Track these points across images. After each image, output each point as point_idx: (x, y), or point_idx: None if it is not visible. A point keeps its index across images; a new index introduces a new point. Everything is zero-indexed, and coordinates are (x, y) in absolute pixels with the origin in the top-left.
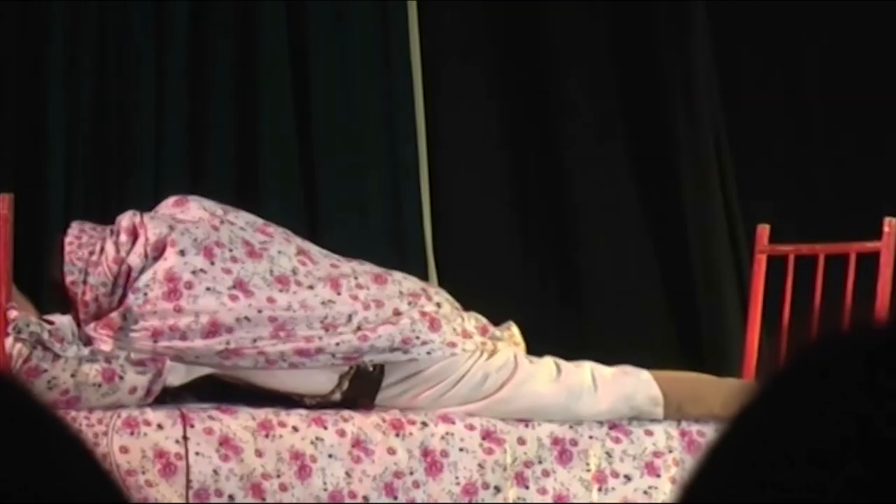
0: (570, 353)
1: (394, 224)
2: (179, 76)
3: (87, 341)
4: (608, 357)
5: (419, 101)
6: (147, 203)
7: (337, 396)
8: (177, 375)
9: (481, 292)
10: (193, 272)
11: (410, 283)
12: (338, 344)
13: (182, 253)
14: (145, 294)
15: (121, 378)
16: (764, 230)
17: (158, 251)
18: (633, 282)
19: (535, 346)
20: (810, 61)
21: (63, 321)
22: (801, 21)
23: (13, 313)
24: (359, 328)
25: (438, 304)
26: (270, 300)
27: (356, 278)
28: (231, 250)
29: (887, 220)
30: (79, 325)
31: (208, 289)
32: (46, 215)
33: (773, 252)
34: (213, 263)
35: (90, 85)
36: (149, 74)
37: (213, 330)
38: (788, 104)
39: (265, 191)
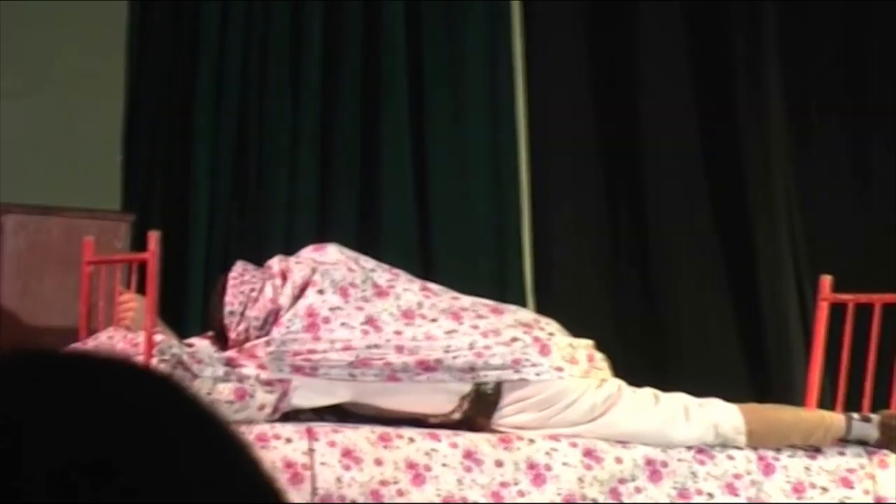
0: (651, 386)
1: (498, 269)
2: (312, 132)
3: (229, 362)
4: (687, 391)
5: (523, 157)
6: (279, 244)
7: (457, 416)
8: (306, 398)
9: (575, 332)
10: (331, 309)
11: (524, 314)
12: (455, 358)
13: (321, 292)
14: (288, 327)
15: (251, 396)
16: (826, 280)
17: (302, 291)
18: (711, 327)
19: (626, 380)
20: (871, 120)
21: (201, 344)
22: (866, 78)
23: (158, 337)
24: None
25: (551, 334)
26: (397, 332)
27: (475, 310)
28: (363, 291)
29: None
30: (223, 348)
31: (343, 324)
32: (188, 252)
33: (834, 300)
34: (347, 302)
35: (232, 141)
36: (283, 134)
37: (345, 350)
38: (854, 163)
39: (385, 241)
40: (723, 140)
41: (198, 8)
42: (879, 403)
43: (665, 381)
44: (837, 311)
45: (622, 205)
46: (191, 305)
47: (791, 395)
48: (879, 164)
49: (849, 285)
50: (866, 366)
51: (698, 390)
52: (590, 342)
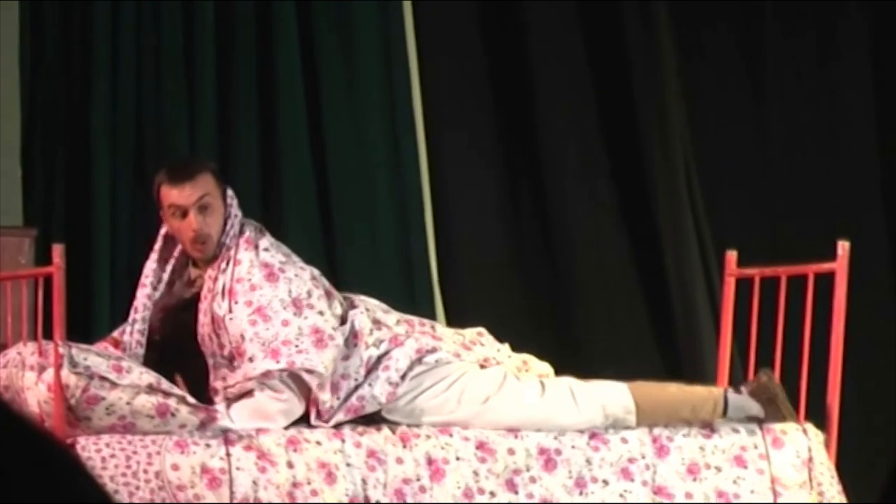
0: (563, 368)
1: (402, 259)
2: (209, 136)
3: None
4: (596, 373)
5: (420, 135)
6: None
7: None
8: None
9: (483, 316)
10: (281, 262)
11: (407, 315)
12: (370, 385)
13: (266, 250)
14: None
15: (173, 415)
16: (732, 255)
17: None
18: (618, 306)
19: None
20: (771, 96)
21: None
22: (762, 52)
23: (62, 350)
24: (374, 344)
25: (433, 327)
26: (285, 323)
27: (365, 306)
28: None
29: (840, 243)
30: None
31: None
32: (93, 264)
33: (740, 275)
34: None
35: (130, 148)
36: (181, 140)
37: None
38: (753, 135)
39: (291, 242)
40: (619, 112)
41: (90, 16)
42: (790, 376)
43: (575, 363)
44: (744, 285)
45: (522, 182)
46: (97, 317)
47: (702, 371)
48: (778, 131)
49: (754, 258)
50: (775, 339)
51: (609, 370)
52: (479, 329)
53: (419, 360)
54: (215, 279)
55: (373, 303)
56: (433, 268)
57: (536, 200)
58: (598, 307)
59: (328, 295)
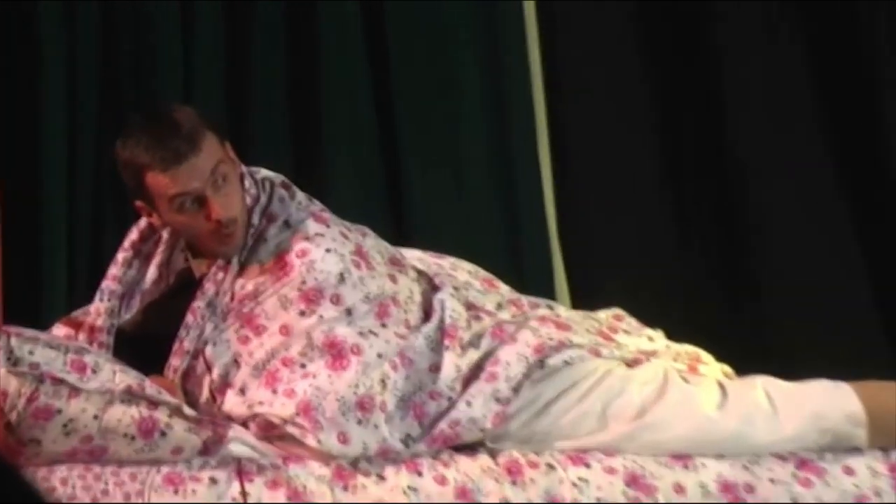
0: (742, 366)
1: (504, 205)
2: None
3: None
4: (795, 371)
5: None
6: None
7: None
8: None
9: (619, 288)
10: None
11: (506, 289)
12: (468, 404)
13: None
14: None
15: (163, 434)
16: None
17: None
18: (825, 269)
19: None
20: None
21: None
22: None
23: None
24: (471, 343)
25: (549, 307)
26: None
27: (453, 284)
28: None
29: None
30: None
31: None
32: (42, 205)
33: None
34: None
35: (94, 40)
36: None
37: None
38: None
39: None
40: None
41: None
42: None
43: (761, 363)
44: None
45: (686, 107)
46: (50, 289)
47: None
48: None
49: None
50: None
51: (813, 373)
52: (615, 311)
53: (540, 364)
54: (241, 273)
55: (463, 273)
56: (551, 217)
57: (702, 123)
58: (795, 275)
59: (397, 266)
